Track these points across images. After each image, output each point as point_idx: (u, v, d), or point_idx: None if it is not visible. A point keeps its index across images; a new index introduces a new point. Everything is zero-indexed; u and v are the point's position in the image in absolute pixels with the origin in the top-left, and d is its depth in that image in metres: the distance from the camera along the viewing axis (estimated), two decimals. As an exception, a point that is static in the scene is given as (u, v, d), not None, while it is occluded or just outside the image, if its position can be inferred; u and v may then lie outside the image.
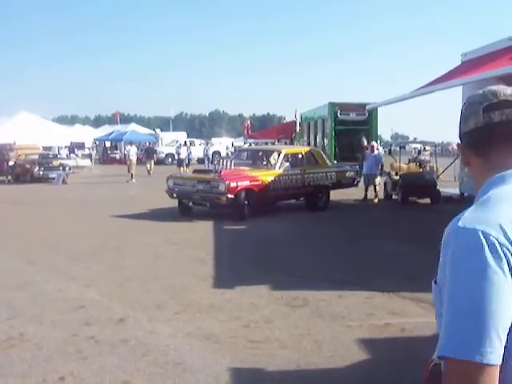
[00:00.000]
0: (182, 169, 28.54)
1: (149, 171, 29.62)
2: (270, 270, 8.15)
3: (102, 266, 8.51)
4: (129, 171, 25.89)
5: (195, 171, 15.70)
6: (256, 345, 5.13)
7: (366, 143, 19.87)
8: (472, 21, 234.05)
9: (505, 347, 1.14)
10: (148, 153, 33.40)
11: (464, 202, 15.22)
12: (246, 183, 13.32)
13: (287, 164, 14.60)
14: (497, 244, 1.17)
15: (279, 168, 14.27)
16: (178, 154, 32.72)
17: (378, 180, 17.45)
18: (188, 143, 43.68)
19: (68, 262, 8.72)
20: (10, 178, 26.52)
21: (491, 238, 1.17)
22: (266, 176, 13.86)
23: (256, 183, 13.51)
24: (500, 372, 1.14)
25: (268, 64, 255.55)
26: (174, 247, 9.94)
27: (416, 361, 3.47)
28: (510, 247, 1.17)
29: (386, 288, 6.92)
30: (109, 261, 8.84)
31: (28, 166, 26.31)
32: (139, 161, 34.71)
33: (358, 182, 16.61)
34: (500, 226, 1.19)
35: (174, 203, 15.51)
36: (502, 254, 1.16)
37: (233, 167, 14.14)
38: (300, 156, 15.41)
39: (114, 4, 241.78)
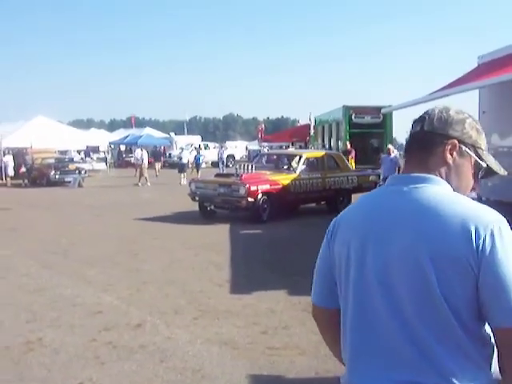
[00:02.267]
0: (183, 175, 26.16)
1: (156, 174, 31.19)
2: (287, 274, 8.12)
3: (119, 270, 8.53)
4: (142, 175, 26.37)
5: (217, 175, 16.06)
6: (274, 351, 5.10)
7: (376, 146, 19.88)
8: (488, 22, 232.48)
9: None
10: (155, 156, 35.64)
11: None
12: (267, 187, 13.46)
13: (308, 168, 14.71)
14: None
15: (300, 172, 14.38)
16: (180, 159, 28.79)
17: None
18: (193, 147, 43.77)
19: (85, 266, 8.75)
20: (26, 181, 26.73)
21: None
22: (287, 180, 14.00)
23: (276, 187, 13.66)
24: None
25: (282, 67, 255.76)
26: (191, 251, 9.93)
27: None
28: None
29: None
30: (125, 265, 8.86)
31: (44, 170, 26.52)
32: (149, 164, 35.62)
33: (380, 185, 16.50)
34: None
35: (190, 207, 15.57)
36: None
37: (254, 171, 14.29)
38: (321, 160, 15.48)
39: (128, 7, 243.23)
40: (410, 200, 1.59)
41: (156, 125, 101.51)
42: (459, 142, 1.64)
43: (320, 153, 17.32)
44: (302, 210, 15.48)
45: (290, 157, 15.58)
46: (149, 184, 25.62)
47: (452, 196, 1.58)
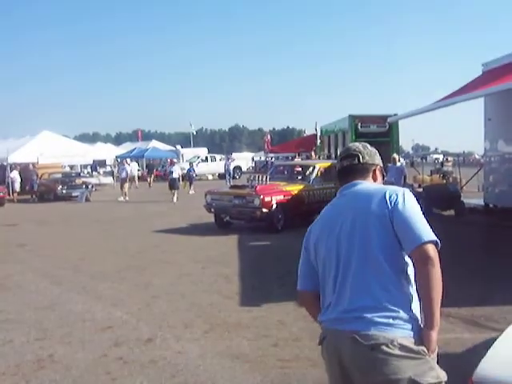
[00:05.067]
0: (174, 192, 23.61)
1: (149, 184, 34.43)
2: (296, 286, 8.07)
3: (128, 284, 8.53)
4: (122, 189, 25.61)
5: (232, 187, 16.38)
6: (286, 363, 5.08)
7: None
8: (493, 29, 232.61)
9: None
10: (149, 169, 39.96)
11: (489, 213, 15.02)
12: (281, 198, 13.66)
13: (321, 178, 14.90)
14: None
15: (313, 182, 14.57)
16: (171, 173, 25.08)
17: None
18: (199, 159, 43.91)
19: (94, 282, 8.75)
20: (33, 196, 26.84)
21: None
22: (301, 190, 14.19)
23: (290, 197, 13.85)
24: None
25: (287, 77, 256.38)
26: (200, 264, 9.92)
27: (449, 377, 3.39)
28: None
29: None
30: (134, 279, 8.86)
31: (51, 185, 26.63)
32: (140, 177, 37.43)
33: None
34: None
35: (198, 219, 15.62)
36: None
37: (268, 182, 14.45)
38: (334, 170, 15.40)
39: (130, 21, 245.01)
40: (349, 194, 2.60)
41: (162, 138, 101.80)
42: (380, 166, 2.74)
43: (333, 163, 17.38)
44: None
45: (304, 167, 15.84)
46: (127, 198, 24.94)
47: (373, 184, 2.63)
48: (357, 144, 2.75)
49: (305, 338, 5.78)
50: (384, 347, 2.22)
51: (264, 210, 13.27)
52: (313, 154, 28.33)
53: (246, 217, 14.02)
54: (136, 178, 35.41)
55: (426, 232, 2.31)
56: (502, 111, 14.83)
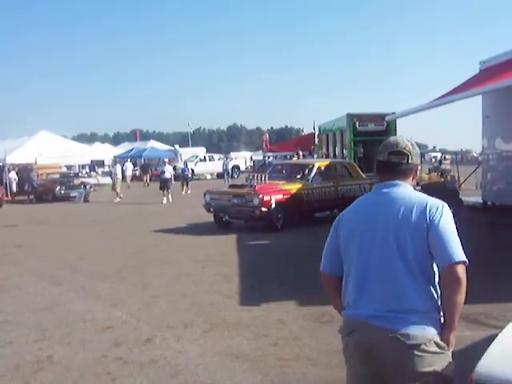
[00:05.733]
0: (165, 193, 23.00)
1: (145, 184, 35.30)
2: (296, 284, 8.09)
3: (128, 284, 8.52)
4: (115, 189, 25.49)
5: (231, 186, 16.35)
6: (286, 363, 5.07)
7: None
8: (490, 27, 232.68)
9: None
10: (144, 169, 40.32)
11: (488, 210, 15.01)
12: (280, 197, 13.67)
13: (320, 177, 14.92)
14: None
15: (312, 181, 14.59)
16: (162, 173, 24.17)
17: None
18: (198, 159, 43.92)
19: (93, 282, 8.74)
20: (31, 197, 26.78)
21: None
22: (300, 189, 14.20)
23: (289, 196, 13.86)
24: None
25: (284, 76, 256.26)
26: (199, 264, 9.92)
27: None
28: None
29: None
30: (134, 279, 8.85)
31: (49, 186, 26.59)
32: (134, 177, 37.88)
33: None
34: None
35: (196, 219, 15.62)
36: None
37: (267, 181, 14.45)
38: (333, 169, 15.70)
39: (132, 17, 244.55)
40: (388, 196, 2.67)
41: (160, 137, 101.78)
42: (418, 165, 2.80)
43: (332, 162, 17.42)
44: (315, 218, 15.52)
45: (303, 166, 15.82)
46: (118, 199, 24.72)
47: (414, 192, 2.71)
48: (405, 141, 2.76)
49: (305, 337, 5.79)
50: (423, 346, 2.47)
51: (263, 209, 13.28)
52: (300, 153, 28.16)
53: (245, 216, 14.01)
54: (128, 178, 35.47)
55: (458, 252, 2.49)
56: (499, 109, 14.83)
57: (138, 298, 7.66)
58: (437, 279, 2.57)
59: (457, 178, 18.29)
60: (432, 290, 2.56)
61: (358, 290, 2.64)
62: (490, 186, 15.07)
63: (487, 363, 2.59)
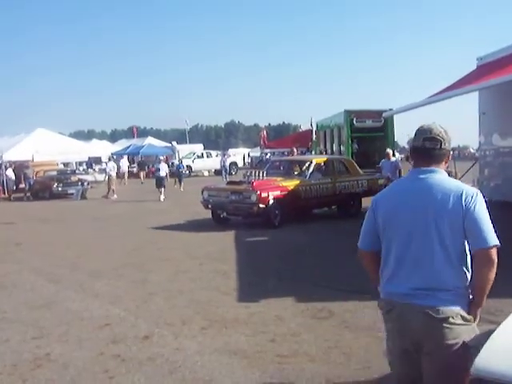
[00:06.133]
0: (161, 190, 22.68)
1: (142, 181, 35.15)
2: (294, 281, 8.10)
3: (125, 281, 8.51)
4: (109, 187, 25.48)
5: (229, 183, 16.34)
6: (284, 359, 5.07)
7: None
8: (487, 24, 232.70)
9: None
10: (140, 165, 40.65)
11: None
12: (277, 193, 13.67)
13: (318, 173, 14.94)
14: None
15: (310, 177, 14.58)
16: (157, 171, 23.96)
17: None
18: (195, 156, 43.89)
19: (91, 279, 8.74)
20: (28, 194, 26.72)
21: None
22: (297, 186, 14.19)
23: (287, 193, 13.85)
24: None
25: (282, 73, 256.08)
26: (197, 261, 9.91)
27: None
28: None
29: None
30: (132, 276, 8.84)
31: (47, 183, 26.53)
32: (130, 174, 37.70)
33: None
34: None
35: (194, 215, 15.62)
36: None
37: (265, 177, 14.46)
38: (331, 165, 15.72)
39: (130, 15, 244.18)
40: (425, 183, 2.90)
41: (157, 134, 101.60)
42: (450, 150, 3.00)
43: (330, 158, 17.44)
44: (313, 214, 15.60)
45: (300, 163, 15.80)
46: (115, 196, 24.78)
47: (450, 179, 2.94)
48: (439, 128, 2.95)
49: (303, 333, 5.79)
50: (451, 319, 2.80)
51: (261, 205, 13.28)
52: (294, 150, 28.15)
53: (242, 213, 14.00)
54: (125, 175, 35.44)
55: (491, 236, 2.77)
56: (496, 105, 14.83)
57: (135, 295, 7.66)
58: (469, 261, 2.86)
59: (454, 174, 18.26)
60: (464, 270, 2.86)
61: (395, 268, 2.94)
62: (487, 182, 15.07)
63: (485, 358, 2.59)
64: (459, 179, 17.60)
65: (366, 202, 16.15)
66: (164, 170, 23.83)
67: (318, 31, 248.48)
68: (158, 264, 9.78)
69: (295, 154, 26.61)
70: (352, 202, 15.39)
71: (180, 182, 27.91)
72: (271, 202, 13.43)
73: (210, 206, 14.64)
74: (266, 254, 10.51)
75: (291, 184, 14.15)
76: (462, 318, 2.83)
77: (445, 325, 2.80)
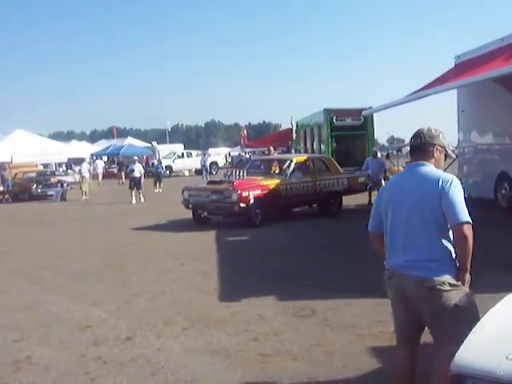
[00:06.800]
0: (138, 192, 21.99)
1: (120, 182, 34.24)
2: (275, 279, 8.11)
3: (107, 283, 8.46)
4: (81, 188, 25.17)
5: (210, 182, 16.29)
6: (266, 358, 5.08)
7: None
8: (465, 22, 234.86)
9: None
10: (120, 166, 39.16)
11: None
12: (258, 192, 13.67)
13: (298, 172, 14.94)
14: None
15: (291, 176, 14.60)
16: (131, 172, 22.87)
17: (383, 184, 17.36)
18: (176, 155, 43.74)
19: (72, 281, 8.67)
20: (7, 196, 26.40)
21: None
22: (278, 184, 14.20)
23: (267, 192, 13.85)
24: None
25: (262, 72, 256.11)
26: (179, 261, 9.88)
27: (428, 366, 3.44)
28: None
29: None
30: (113, 278, 8.78)
31: (26, 184, 26.26)
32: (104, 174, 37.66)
33: (369, 186, 16.76)
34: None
35: (175, 215, 15.55)
36: None
37: (245, 177, 14.47)
38: (311, 164, 15.74)
39: (108, 16, 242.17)
40: (415, 172, 3.55)
41: (137, 134, 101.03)
42: (439, 146, 3.60)
43: (310, 156, 17.47)
44: (294, 212, 15.65)
45: (281, 162, 15.78)
46: (86, 197, 24.46)
47: (433, 169, 3.53)
48: (426, 127, 3.62)
49: (285, 331, 5.80)
50: (438, 286, 3.33)
51: (242, 204, 13.27)
52: (272, 149, 28.21)
53: (223, 212, 13.99)
54: (100, 176, 35.32)
55: (463, 215, 3.30)
56: (474, 103, 15.01)
57: (117, 296, 7.61)
58: (451, 235, 3.39)
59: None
60: (447, 243, 3.40)
61: (393, 243, 3.59)
62: (466, 179, 15.24)
63: (466, 354, 2.55)
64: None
65: (347, 200, 16.29)
66: (138, 170, 22.70)
67: (297, 28, 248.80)
68: (139, 265, 9.74)
69: (272, 152, 26.67)
70: (333, 201, 15.47)
71: (159, 182, 27.54)
72: (252, 201, 13.43)
73: (190, 206, 14.59)
74: (247, 253, 10.51)
75: (272, 183, 14.16)
76: (450, 284, 3.34)
77: (434, 292, 3.34)
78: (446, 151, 3.65)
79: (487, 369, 2.41)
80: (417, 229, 3.44)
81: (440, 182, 3.37)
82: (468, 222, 3.30)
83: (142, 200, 22.05)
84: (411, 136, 3.66)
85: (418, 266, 3.39)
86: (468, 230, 3.30)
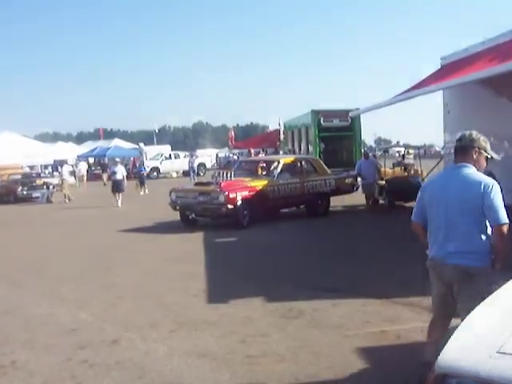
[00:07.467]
0: (118, 195, 21.39)
1: (105, 183, 33.06)
2: (262, 281, 8.10)
3: (93, 285, 8.39)
4: (62, 191, 25.04)
5: (197, 184, 16.21)
6: (253, 360, 5.06)
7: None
8: (451, 23, 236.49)
9: None
10: (103, 168, 39.62)
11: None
12: (245, 193, 13.67)
13: (286, 173, 14.96)
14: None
15: (278, 177, 14.62)
16: (113, 174, 22.27)
17: (377, 186, 17.25)
18: (163, 157, 43.69)
19: (57, 284, 8.59)
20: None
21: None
22: (265, 186, 14.22)
23: (255, 193, 13.86)
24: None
25: (249, 73, 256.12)
26: (166, 263, 9.84)
27: (414, 365, 3.42)
28: None
29: (379, 295, 6.90)
30: (99, 280, 8.72)
31: (11, 186, 26.03)
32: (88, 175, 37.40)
33: (357, 187, 16.74)
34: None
35: (162, 217, 15.49)
36: None
37: (233, 178, 14.48)
38: (299, 165, 15.79)
39: (94, 16, 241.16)
40: (458, 173, 4.01)
41: (124, 136, 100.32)
42: (478, 148, 4.02)
43: (297, 158, 17.48)
44: (282, 213, 15.63)
45: (268, 163, 15.78)
46: (67, 201, 24.33)
47: (475, 172, 3.97)
48: (468, 132, 4.10)
49: (272, 333, 5.79)
50: (476, 274, 3.86)
51: (229, 206, 13.25)
52: (252, 150, 28.28)
53: (211, 213, 13.96)
54: (84, 178, 35.20)
55: (502, 217, 3.81)
56: (460, 104, 15.09)
57: (103, 299, 7.56)
58: (489, 231, 3.89)
59: (420, 172, 18.54)
60: (485, 238, 3.90)
61: (435, 235, 4.09)
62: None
63: (449, 354, 2.49)
64: (425, 177, 17.96)
65: (334, 201, 16.33)
66: (121, 172, 21.94)
67: (284, 28, 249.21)
68: (125, 267, 9.68)
69: (253, 154, 26.76)
70: (320, 202, 15.52)
71: (142, 184, 27.20)
72: (239, 202, 13.43)
73: (178, 208, 14.54)
74: (234, 254, 10.49)
75: (259, 184, 14.17)
76: (486, 273, 3.85)
77: (471, 278, 3.86)
78: (488, 153, 4.05)
79: (471, 368, 2.36)
80: (460, 224, 3.92)
81: (482, 186, 3.84)
82: (507, 223, 3.81)
83: (120, 204, 21.23)
84: (456, 139, 4.17)
85: (459, 256, 3.91)
86: (506, 230, 3.82)
